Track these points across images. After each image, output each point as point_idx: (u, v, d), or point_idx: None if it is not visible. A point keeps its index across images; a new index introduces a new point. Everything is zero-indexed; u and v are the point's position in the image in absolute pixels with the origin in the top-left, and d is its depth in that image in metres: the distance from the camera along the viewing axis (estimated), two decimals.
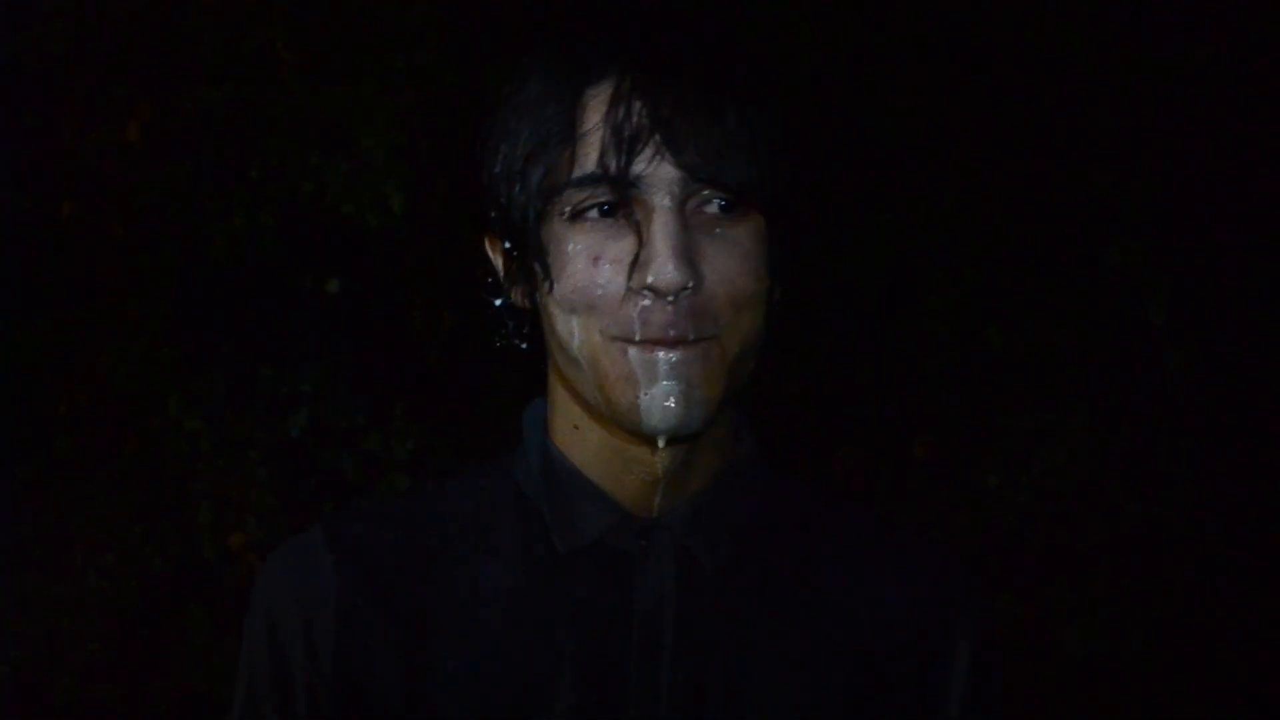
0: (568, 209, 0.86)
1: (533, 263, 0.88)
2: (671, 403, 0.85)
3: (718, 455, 0.96)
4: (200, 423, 3.29)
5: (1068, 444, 3.33)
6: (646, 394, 0.85)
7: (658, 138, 0.84)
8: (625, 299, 0.85)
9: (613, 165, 0.84)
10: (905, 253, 3.32)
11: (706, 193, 0.86)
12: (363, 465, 3.30)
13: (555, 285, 0.87)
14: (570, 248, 0.86)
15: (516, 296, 0.94)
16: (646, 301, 0.85)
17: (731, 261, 0.87)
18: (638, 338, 0.85)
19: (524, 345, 0.95)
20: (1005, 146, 3.25)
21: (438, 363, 3.20)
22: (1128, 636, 3.28)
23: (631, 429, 0.87)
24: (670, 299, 0.84)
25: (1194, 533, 3.26)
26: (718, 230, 0.87)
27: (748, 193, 0.86)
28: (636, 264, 0.84)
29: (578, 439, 0.94)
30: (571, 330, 0.87)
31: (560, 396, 0.95)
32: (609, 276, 0.85)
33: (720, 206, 0.87)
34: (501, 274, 0.94)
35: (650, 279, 0.83)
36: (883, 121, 3.20)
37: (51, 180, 3.30)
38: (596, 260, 0.85)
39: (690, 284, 0.84)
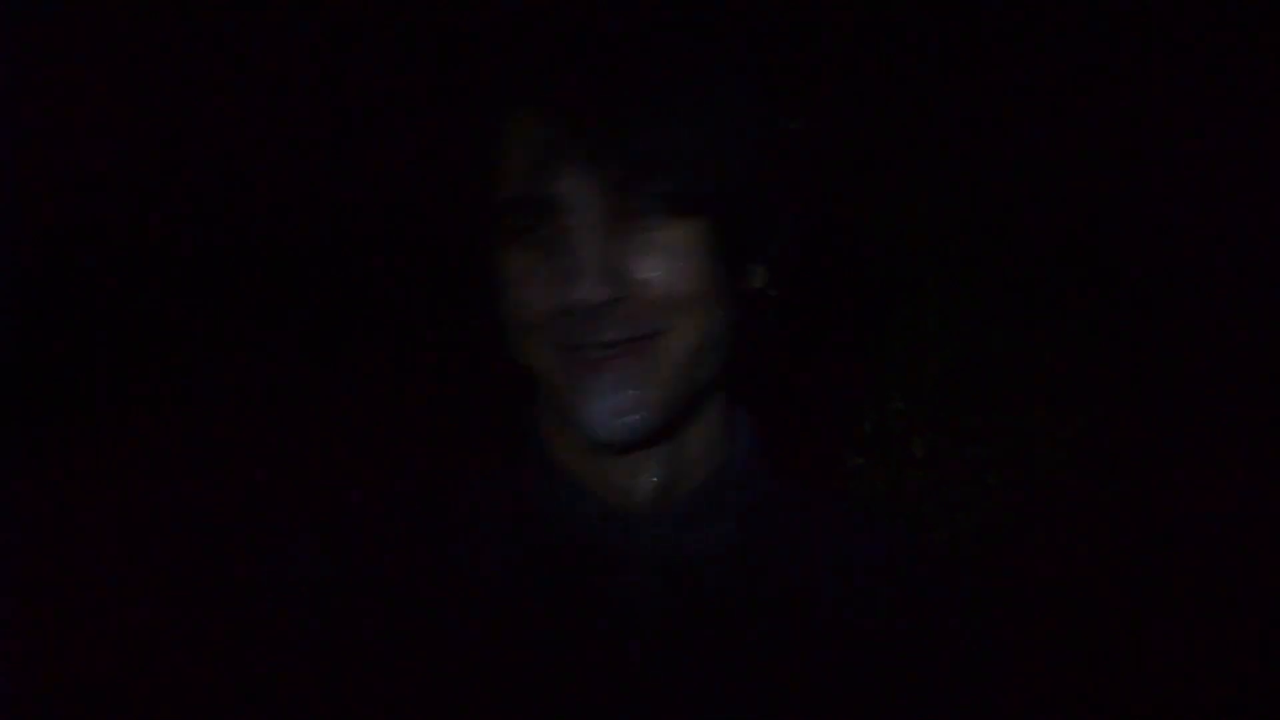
0: (501, 233, 0.87)
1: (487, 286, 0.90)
2: (616, 415, 0.86)
3: (710, 454, 0.97)
4: None
5: (1068, 444, 3.33)
6: (590, 406, 0.86)
7: (578, 154, 0.85)
8: (558, 314, 0.86)
9: (531, 186, 0.85)
10: (905, 252, 3.32)
11: (634, 202, 0.87)
12: None
13: (501, 307, 0.88)
14: (506, 271, 0.88)
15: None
16: (574, 316, 0.86)
17: (666, 264, 0.88)
18: (576, 345, 0.86)
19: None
20: (1005, 145, 3.24)
21: (438, 363, 3.19)
22: (1128, 636, 3.28)
23: (590, 439, 0.88)
24: (593, 314, 0.85)
25: (1194, 532, 3.25)
26: (653, 234, 0.87)
27: (674, 202, 0.87)
28: (560, 282, 0.85)
29: (564, 442, 0.95)
30: (524, 348, 0.88)
31: (545, 402, 0.96)
32: (538, 295, 0.86)
33: (651, 211, 0.88)
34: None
35: (571, 296, 0.84)
36: (880, 121, 3.20)
37: (52, 180, 3.29)
38: (528, 280, 0.87)
39: (611, 297, 0.84)
